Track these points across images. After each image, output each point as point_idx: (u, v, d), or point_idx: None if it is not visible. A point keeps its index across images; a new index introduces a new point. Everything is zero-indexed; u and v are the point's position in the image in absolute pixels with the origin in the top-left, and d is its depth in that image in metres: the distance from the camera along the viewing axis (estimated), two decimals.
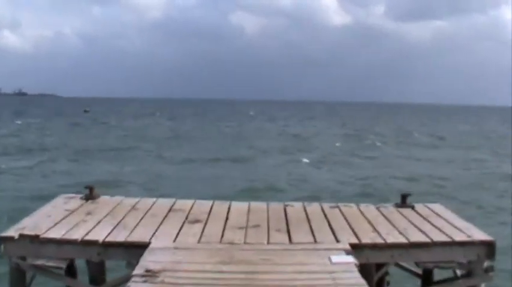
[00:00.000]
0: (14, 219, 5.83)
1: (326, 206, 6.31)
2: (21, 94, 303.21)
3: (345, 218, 5.73)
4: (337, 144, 32.73)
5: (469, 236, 5.08)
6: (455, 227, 5.40)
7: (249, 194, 12.83)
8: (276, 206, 6.27)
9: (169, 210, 5.92)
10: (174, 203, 6.22)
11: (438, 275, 5.93)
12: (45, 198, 7.09)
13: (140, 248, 4.61)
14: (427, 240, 5.00)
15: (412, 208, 6.26)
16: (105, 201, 6.25)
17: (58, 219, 5.35)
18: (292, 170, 20.53)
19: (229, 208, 6.09)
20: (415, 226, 5.44)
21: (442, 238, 5.07)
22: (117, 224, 5.27)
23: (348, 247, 4.75)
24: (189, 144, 30.71)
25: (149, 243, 4.72)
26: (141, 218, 5.53)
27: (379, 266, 5.33)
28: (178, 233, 5.07)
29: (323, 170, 21.44)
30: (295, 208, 6.18)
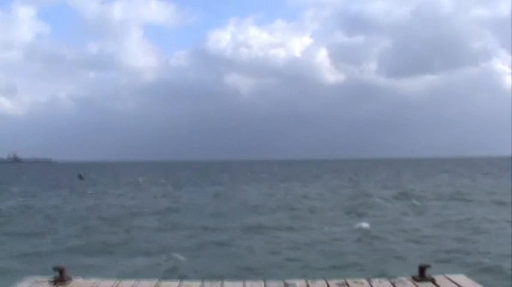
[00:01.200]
0: None
1: (333, 283, 5.54)
2: (16, 160, 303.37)
3: None
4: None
5: None
6: None
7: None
8: (275, 285, 5.49)
9: None
10: (157, 285, 5.44)
11: None
12: None
13: None
14: None
15: (433, 281, 5.50)
16: (78, 285, 5.46)
17: None
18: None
19: None
20: None
21: None
22: None
23: None
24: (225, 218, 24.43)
25: None
26: None
27: None
28: None
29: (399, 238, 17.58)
30: (297, 286, 5.41)
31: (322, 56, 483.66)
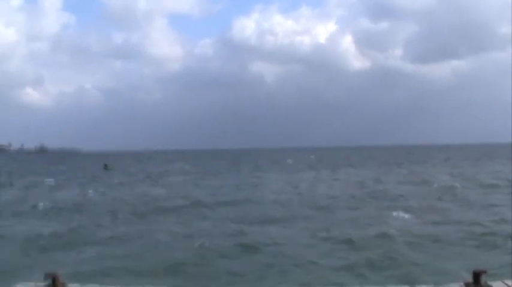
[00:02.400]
0: None
1: None
2: (42, 150, 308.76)
3: None
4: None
5: None
6: None
7: None
8: None
9: None
10: None
11: None
12: None
13: None
14: None
15: None
16: None
17: None
18: None
19: None
20: None
21: None
22: None
23: None
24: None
25: None
26: None
27: None
28: None
29: None
30: None
31: (347, 42, 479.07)
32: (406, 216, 18.66)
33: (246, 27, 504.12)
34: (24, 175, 57.74)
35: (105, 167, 71.47)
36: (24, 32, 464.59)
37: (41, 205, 24.59)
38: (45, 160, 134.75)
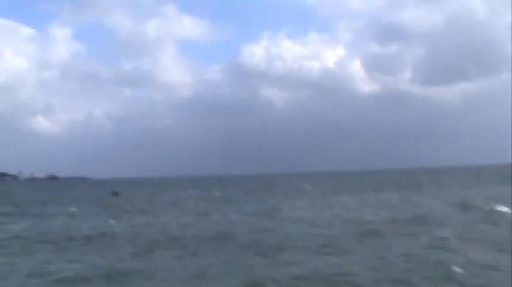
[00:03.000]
0: None
1: None
2: (53, 178, 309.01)
3: None
4: None
5: None
6: None
7: None
8: None
9: None
10: None
11: None
12: None
13: None
14: None
15: None
16: None
17: None
18: None
19: None
20: None
21: None
22: None
23: None
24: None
25: None
26: None
27: None
28: None
29: None
30: None
31: (355, 66, 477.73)
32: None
33: (255, 53, 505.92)
34: (46, 203, 56.97)
35: (114, 194, 70.65)
36: (34, 61, 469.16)
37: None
38: (56, 187, 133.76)
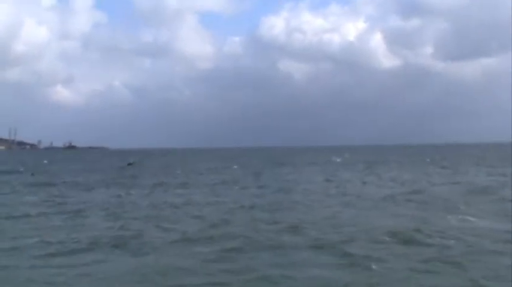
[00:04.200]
0: None
1: None
2: (71, 147, 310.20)
3: None
4: None
5: None
6: None
7: None
8: None
9: None
10: None
11: None
12: None
13: None
14: None
15: None
16: None
17: None
18: None
19: None
20: None
21: None
22: None
23: None
24: None
25: None
26: None
27: None
28: None
29: None
30: None
31: (376, 40, 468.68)
32: None
33: (275, 25, 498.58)
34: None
35: (129, 164, 71.16)
36: (55, 31, 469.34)
37: None
38: (74, 156, 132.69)
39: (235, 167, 59.27)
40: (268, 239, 13.68)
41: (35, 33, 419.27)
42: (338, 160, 73.79)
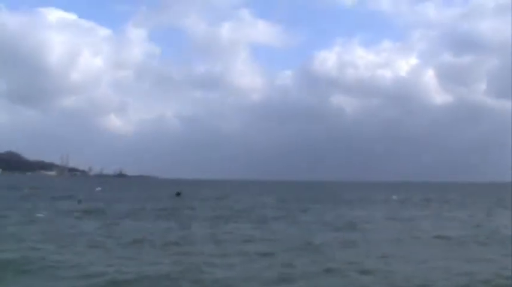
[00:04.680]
0: None
1: None
2: (121, 175, 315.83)
3: None
4: None
5: None
6: None
7: None
8: None
9: None
10: None
11: None
12: None
13: None
14: None
15: None
16: None
17: None
18: None
19: None
20: None
21: None
22: None
23: None
24: None
25: None
26: None
27: None
28: None
29: None
30: None
31: (429, 76, 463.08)
32: None
33: (327, 59, 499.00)
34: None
35: (177, 194, 71.83)
36: (110, 61, 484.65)
37: None
38: (125, 184, 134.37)
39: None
40: None
41: (91, 63, 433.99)
42: (394, 197, 71.62)
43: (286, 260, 16.27)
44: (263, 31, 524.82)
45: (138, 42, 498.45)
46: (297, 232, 24.98)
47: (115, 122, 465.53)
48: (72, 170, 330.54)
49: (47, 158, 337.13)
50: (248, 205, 51.41)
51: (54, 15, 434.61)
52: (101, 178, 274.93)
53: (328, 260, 16.31)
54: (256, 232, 25.10)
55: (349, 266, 15.19)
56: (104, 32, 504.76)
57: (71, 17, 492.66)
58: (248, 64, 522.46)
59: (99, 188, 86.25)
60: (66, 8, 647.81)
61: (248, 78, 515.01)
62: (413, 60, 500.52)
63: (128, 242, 20.33)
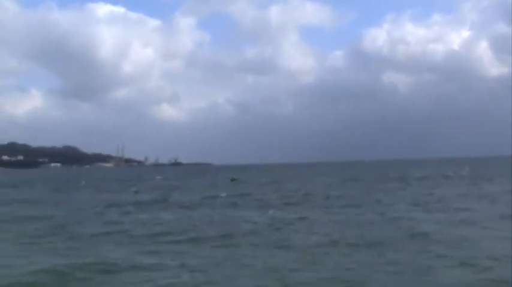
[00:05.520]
0: None
1: None
2: (176, 164, 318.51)
3: None
4: None
5: None
6: None
7: None
8: None
9: None
10: None
11: None
12: None
13: None
14: None
15: None
16: None
17: None
18: None
19: None
20: None
21: None
22: None
23: None
24: None
25: None
26: None
27: None
28: None
29: None
30: None
31: (482, 48, 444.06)
32: None
33: (377, 37, 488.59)
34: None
35: (232, 179, 72.61)
36: (160, 51, 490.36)
37: None
38: (182, 172, 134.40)
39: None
40: None
41: (141, 54, 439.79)
42: (465, 171, 67.34)
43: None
44: (311, 12, 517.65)
45: (187, 30, 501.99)
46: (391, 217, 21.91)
47: (168, 111, 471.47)
48: (129, 161, 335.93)
49: (104, 150, 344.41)
50: (314, 187, 48.48)
51: (103, 9, 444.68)
52: (157, 167, 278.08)
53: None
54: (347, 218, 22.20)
55: None
56: (153, 23, 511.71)
57: (120, 10, 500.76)
58: (298, 46, 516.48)
59: (159, 177, 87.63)
60: (115, 2, 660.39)
61: (299, 61, 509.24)
62: (466, 33, 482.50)
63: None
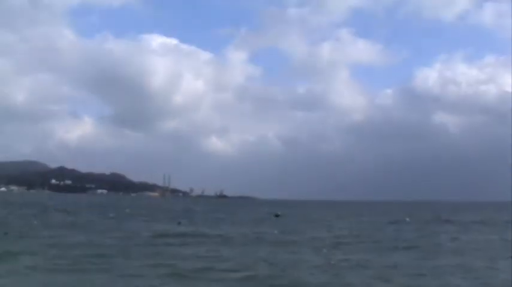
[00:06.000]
0: None
1: None
2: (221, 196, 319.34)
3: None
4: None
5: None
6: None
7: None
8: None
9: None
10: None
11: None
12: None
13: None
14: None
15: None
16: None
17: None
18: None
19: None
20: None
21: None
22: None
23: None
24: None
25: None
26: None
27: None
28: None
29: None
30: None
31: None
32: None
33: (428, 76, 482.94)
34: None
35: (276, 215, 71.79)
36: (211, 84, 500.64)
37: None
38: (225, 204, 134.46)
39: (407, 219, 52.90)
40: None
41: (192, 85, 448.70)
42: None
43: None
44: (363, 50, 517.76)
45: (238, 64, 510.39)
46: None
47: (216, 144, 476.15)
48: (174, 191, 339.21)
49: (150, 179, 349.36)
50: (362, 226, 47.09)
51: (156, 40, 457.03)
52: (202, 198, 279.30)
53: None
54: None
55: None
56: (205, 55, 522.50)
57: (173, 41, 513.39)
58: (348, 83, 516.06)
59: (197, 209, 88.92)
60: (168, 34, 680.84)
61: (349, 98, 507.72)
62: None
63: None
